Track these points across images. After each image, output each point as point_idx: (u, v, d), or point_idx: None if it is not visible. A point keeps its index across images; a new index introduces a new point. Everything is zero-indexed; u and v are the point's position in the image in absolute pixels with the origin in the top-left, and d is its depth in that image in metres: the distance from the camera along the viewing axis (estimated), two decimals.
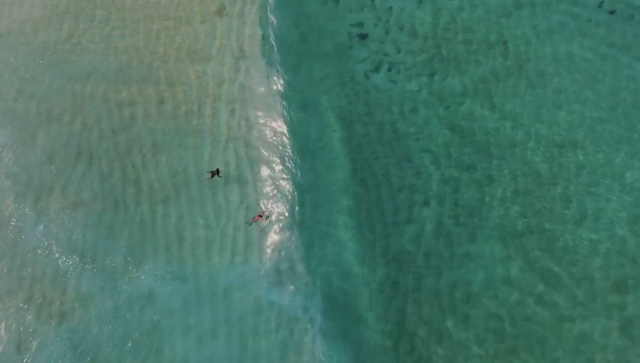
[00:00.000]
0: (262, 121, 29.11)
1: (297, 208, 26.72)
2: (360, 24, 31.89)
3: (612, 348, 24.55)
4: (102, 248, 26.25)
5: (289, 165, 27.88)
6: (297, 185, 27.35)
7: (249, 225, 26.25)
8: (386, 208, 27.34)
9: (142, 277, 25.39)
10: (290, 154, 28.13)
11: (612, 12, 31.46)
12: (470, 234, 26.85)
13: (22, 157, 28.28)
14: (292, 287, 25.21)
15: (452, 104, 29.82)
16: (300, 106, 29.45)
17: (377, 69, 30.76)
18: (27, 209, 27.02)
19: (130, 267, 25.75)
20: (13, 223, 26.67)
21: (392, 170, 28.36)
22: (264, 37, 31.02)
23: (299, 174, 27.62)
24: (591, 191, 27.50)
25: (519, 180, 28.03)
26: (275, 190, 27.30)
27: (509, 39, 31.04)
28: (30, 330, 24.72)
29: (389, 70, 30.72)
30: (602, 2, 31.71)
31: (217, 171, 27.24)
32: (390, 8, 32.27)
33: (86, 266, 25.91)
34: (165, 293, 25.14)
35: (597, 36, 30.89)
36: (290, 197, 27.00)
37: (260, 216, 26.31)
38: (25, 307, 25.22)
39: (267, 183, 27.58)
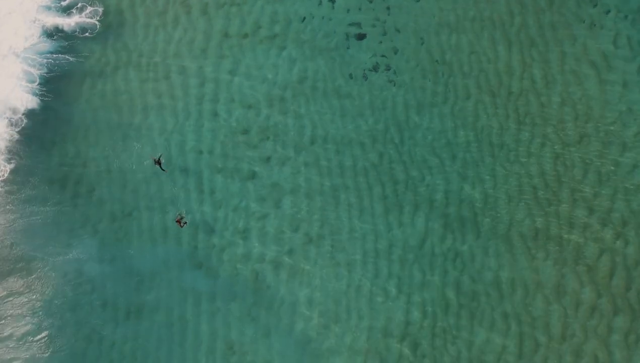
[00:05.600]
0: None
1: None
2: (357, 24, 31.87)
3: None
4: None
5: None
6: None
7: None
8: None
9: None
10: None
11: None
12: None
13: None
14: None
15: (455, 104, 29.89)
16: None
17: (375, 69, 30.77)
18: None
19: None
20: None
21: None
22: None
23: None
24: None
25: (522, 180, 28.36)
26: None
27: (512, 39, 31.14)
28: None
29: (387, 70, 30.73)
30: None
31: (159, 162, 28.40)
32: (388, 8, 32.29)
33: None
34: None
35: None
36: None
37: (179, 221, 27.44)
38: None
39: None
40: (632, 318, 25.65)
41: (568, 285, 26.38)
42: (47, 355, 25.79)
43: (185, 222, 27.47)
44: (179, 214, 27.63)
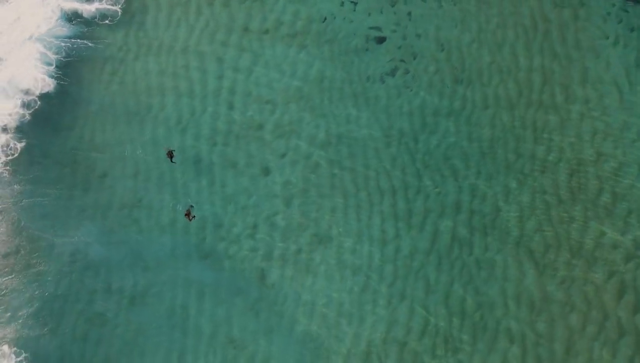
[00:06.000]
0: None
1: None
2: (378, 28, 31.81)
3: None
4: None
5: None
6: None
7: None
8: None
9: None
10: None
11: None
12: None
13: None
14: None
15: (472, 112, 29.73)
16: None
17: (393, 73, 30.68)
18: None
19: None
20: None
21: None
22: None
23: None
24: None
25: (535, 194, 28.10)
26: None
27: (534, 51, 30.86)
28: None
29: (405, 74, 30.63)
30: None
31: (171, 154, 28.36)
32: (409, 13, 32.19)
33: None
34: None
35: None
36: None
37: (188, 214, 27.37)
38: None
39: None
40: (638, 342, 25.28)
41: (575, 304, 26.06)
42: (48, 335, 25.80)
43: (194, 216, 27.44)
44: (188, 207, 27.61)
